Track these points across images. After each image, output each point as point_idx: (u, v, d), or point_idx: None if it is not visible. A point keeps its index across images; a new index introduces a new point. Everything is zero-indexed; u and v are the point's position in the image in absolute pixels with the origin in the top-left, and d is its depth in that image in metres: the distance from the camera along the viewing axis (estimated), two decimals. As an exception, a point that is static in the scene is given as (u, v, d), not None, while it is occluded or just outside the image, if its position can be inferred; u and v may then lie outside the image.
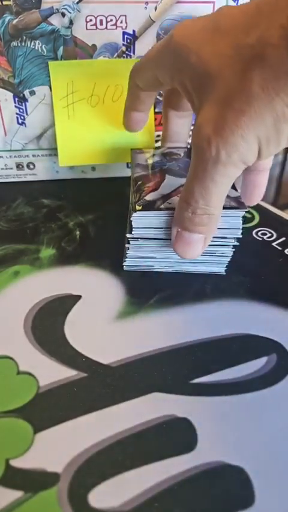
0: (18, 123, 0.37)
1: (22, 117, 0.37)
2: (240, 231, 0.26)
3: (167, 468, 0.18)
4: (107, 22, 0.33)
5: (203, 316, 0.26)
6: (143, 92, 0.28)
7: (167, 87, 0.26)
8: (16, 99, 0.36)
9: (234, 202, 0.26)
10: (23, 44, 0.33)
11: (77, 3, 0.32)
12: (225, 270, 0.29)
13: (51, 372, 0.22)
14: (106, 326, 0.25)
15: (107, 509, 0.17)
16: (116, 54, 0.35)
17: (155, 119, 0.37)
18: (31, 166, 0.39)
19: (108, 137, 0.37)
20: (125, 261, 0.29)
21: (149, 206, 0.26)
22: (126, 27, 0.33)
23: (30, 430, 0.19)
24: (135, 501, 0.17)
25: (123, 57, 0.35)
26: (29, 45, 0.33)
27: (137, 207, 0.26)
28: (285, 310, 0.26)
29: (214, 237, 0.26)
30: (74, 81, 0.35)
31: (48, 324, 0.25)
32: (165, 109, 0.31)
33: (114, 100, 0.35)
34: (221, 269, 0.29)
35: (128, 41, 0.34)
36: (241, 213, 0.26)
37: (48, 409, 0.20)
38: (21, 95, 0.35)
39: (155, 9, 0.33)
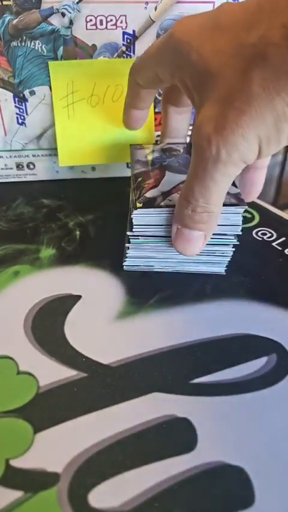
0: (18, 123, 0.37)
1: (22, 117, 0.37)
2: (240, 227, 0.26)
3: (167, 468, 0.18)
4: (107, 22, 0.33)
5: (203, 316, 0.26)
6: (142, 89, 0.28)
7: (167, 84, 0.26)
8: (16, 99, 0.36)
9: (234, 199, 0.26)
10: (23, 44, 0.33)
11: (77, 3, 0.32)
12: (225, 270, 0.29)
13: (51, 372, 0.22)
14: (106, 326, 0.25)
15: (107, 509, 0.17)
16: (116, 54, 0.35)
17: (155, 119, 0.37)
18: (31, 166, 0.39)
19: (108, 137, 0.36)
20: (125, 261, 0.29)
21: (149, 203, 0.26)
22: (126, 27, 0.33)
23: (30, 430, 0.19)
24: (135, 501, 0.17)
25: (123, 57, 0.35)
26: (29, 45, 0.33)
27: (138, 205, 0.26)
28: (285, 310, 0.26)
29: (214, 234, 0.26)
30: (74, 81, 0.35)
31: (48, 324, 0.25)
32: (165, 105, 0.31)
33: (114, 100, 0.35)
34: (221, 269, 0.29)
35: (128, 41, 0.34)
36: (241, 210, 0.26)
37: (48, 409, 0.20)
38: (21, 95, 0.35)
39: (155, 9, 0.33)
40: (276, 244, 0.32)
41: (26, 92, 0.35)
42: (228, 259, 0.28)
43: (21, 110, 0.36)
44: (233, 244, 0.27)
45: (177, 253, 0.26)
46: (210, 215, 0.24)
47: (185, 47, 0.22)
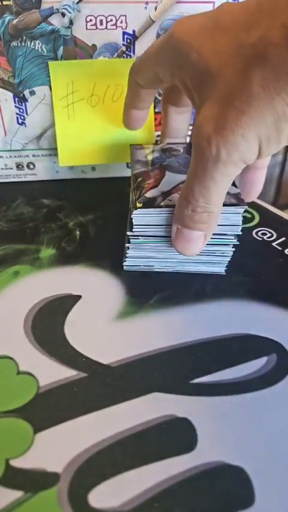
0: (18, 123, 0.37)
1: (22, 117, 0.37)
2: (240, 227, 0.26)
3: (167, 468, 0.18)
4: (107, 22, 0.33)
5: (203, 316, 0.26)
6: (142, 89, 0.28)
7: (167, 84, 0.26)
8: (16, 99, 0.36)
9: (234, 199, 0.26)
10: (23, 44, 0.33)
11: (77, 3, 0.32)
12: (225, 270, 0.29)
13: (51, 372, 0.22)
14: (106, 326, 0.25)
15: (107, 509, 0.17)
16: (116, 54, 0.35)
17: (155, 119, 0.37)
18: (31, 166, 0.39)
19: (108, 137, 0.36)
20: (125, 261, 0.29)
21: (149, 203, 0.26)
22: (126, 27, 0.33)
23: (30, 430, 0.19)
24: (135, 501, 0.17)
25: (123, 57, 0.35)
26: (29, 45, 0.33)
27: (138, 205, 0.26)
28: (285, 310, 0.26)
29: (214, 234, 0.26)
30: (74, 81, 0.35)
31: (48, 324, 0.25)
32: (165, 105, 0.31)
33: (114, 100, 0.35)
34: (221, 269, 0.29)
35: (128, 41, 0.34)
36: (241, 209, 0.26)
37: (48, 409, 0.20)
38: (21, 95, 0.35)
39: (155, 9, 0.33)
40: (276, 244, 0.32)
41: (26, 92, 0.35)
42: (228, 259, 0.28)
43: (21, 110, 0.36)
44: (233, 244, 0.27)
45: (177, 253, 0.26)
46: (210, 215, 0.24)
47: (185, 47, 0.22)
